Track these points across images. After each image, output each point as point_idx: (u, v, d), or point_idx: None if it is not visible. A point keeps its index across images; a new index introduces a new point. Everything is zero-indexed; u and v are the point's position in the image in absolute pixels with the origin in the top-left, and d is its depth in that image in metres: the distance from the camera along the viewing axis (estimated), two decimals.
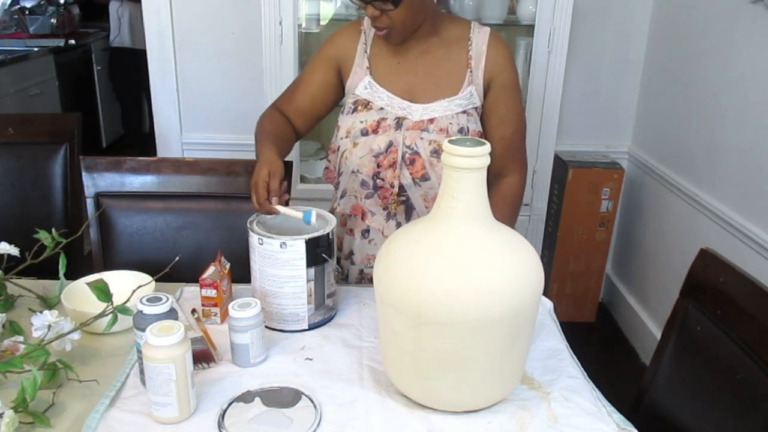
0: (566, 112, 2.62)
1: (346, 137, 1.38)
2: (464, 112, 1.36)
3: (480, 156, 0.92)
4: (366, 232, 1.43)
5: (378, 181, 1.38)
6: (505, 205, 1.44)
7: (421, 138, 1.34)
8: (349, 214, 1.44)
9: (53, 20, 4.44)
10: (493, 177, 1.42)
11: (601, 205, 2.63)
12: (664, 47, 2.51)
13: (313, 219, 1.19)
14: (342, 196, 1.44)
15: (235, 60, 2.57)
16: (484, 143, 0.93)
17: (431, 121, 1.35)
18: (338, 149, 1.40)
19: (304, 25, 2.43)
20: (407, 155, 1.35)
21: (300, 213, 1.19)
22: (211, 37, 2.55)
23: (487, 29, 1.39)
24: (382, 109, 1.37)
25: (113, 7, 4.40)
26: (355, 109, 1.38)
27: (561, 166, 2.62)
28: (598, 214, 2.64)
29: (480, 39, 1.37)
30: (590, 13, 2.56)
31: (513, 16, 2.44)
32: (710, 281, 1.09)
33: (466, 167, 0.92)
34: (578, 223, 2.66)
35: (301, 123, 1.45)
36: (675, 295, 1.17)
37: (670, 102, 2.44)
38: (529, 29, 2.34)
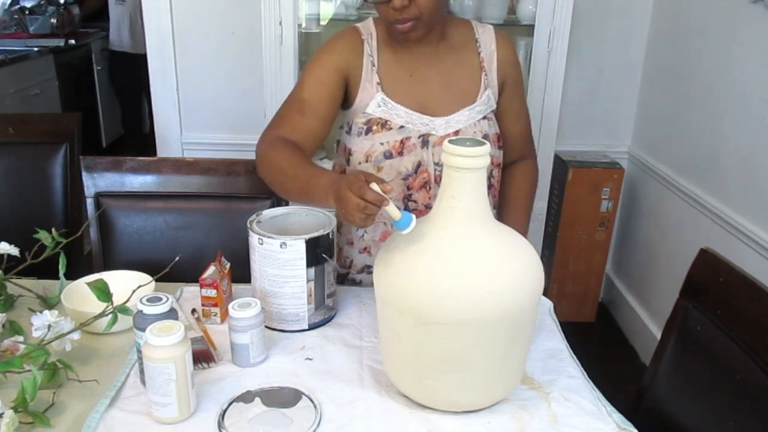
0: (566, 112, 2.62)
1: (366, 162, 1.27)
2: (484, 117, 1.32)
3: (480, 156, 0.92)
4: None
5: (410, 203, 1.30)
6: (530, 173, 1.47)
7: None
8: (379, 240, 1.34)
9: (53, 20, 4.44)
10: (509, 165, 1.46)
11: (601, 205, 2.63)
12: (664, 47, 2.51)
13: (412, 227, 0.96)
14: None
15: (235, 60, 2.57)
16: (483, 143, 0.93)
17: (456, 133, 1.28)
18: None
19: (304, 25, 2.43)
20: (438, 173, 1.27)
21: (399, 213, 0.96)
22: (211, 38, 2.55)
23: (490, 27, 1.37)
24: (402, 127, 1.27)
25: (111, 10, 4.40)
26: (369, 130, 1.27)
27: (561, 166, 2.62)
28: (598, 214, 2.64)
29: (487, 39, 1.35)
30: (590, 13, 2.56)
31: (513, 16, 2.44)
32: (710, 281, 1.09)
33: (466, 167, 0.92)
34: (578, 223, 2.66)
35: (313, 145, 1.28)
36: (675, 295, 1.16)
37: (670, 102, 2.44)
38: (529, 29, 2.34)
